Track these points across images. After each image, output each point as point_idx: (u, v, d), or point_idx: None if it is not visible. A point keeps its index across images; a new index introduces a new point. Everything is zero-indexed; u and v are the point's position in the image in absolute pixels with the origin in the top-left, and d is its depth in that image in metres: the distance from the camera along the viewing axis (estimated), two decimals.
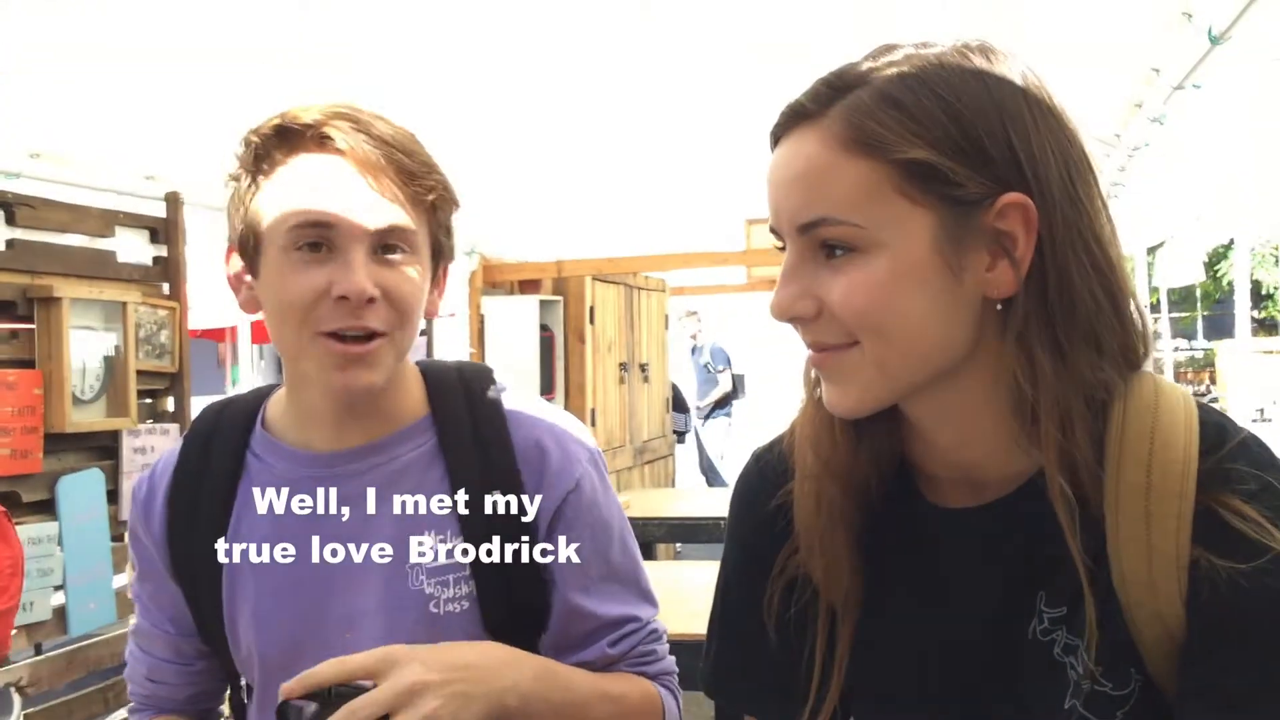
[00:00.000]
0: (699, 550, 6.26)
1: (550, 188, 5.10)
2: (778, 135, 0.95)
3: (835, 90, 0.91)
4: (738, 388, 10.99)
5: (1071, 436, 0.91)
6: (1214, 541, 0.87)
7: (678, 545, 7.08)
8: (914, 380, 0.93)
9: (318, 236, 1.16)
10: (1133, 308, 0.94)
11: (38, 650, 3.46)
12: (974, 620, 0.98)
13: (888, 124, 0.88)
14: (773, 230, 0.97)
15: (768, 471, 1.13)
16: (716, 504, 4.95)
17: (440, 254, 1.26)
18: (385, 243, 1.18)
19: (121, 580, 3.43)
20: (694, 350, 11.06)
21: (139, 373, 3.36)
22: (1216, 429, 0.91)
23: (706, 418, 10.88)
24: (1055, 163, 0.90)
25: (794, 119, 0.93)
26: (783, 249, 0.96)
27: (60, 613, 3.13)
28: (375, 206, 1.16)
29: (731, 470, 10.43)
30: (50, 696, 3.12)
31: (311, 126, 1.18)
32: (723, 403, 10.86)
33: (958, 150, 0.88)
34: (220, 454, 1.31)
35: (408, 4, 2.64)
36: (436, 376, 1.34)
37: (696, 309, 10.77)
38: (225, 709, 1.45)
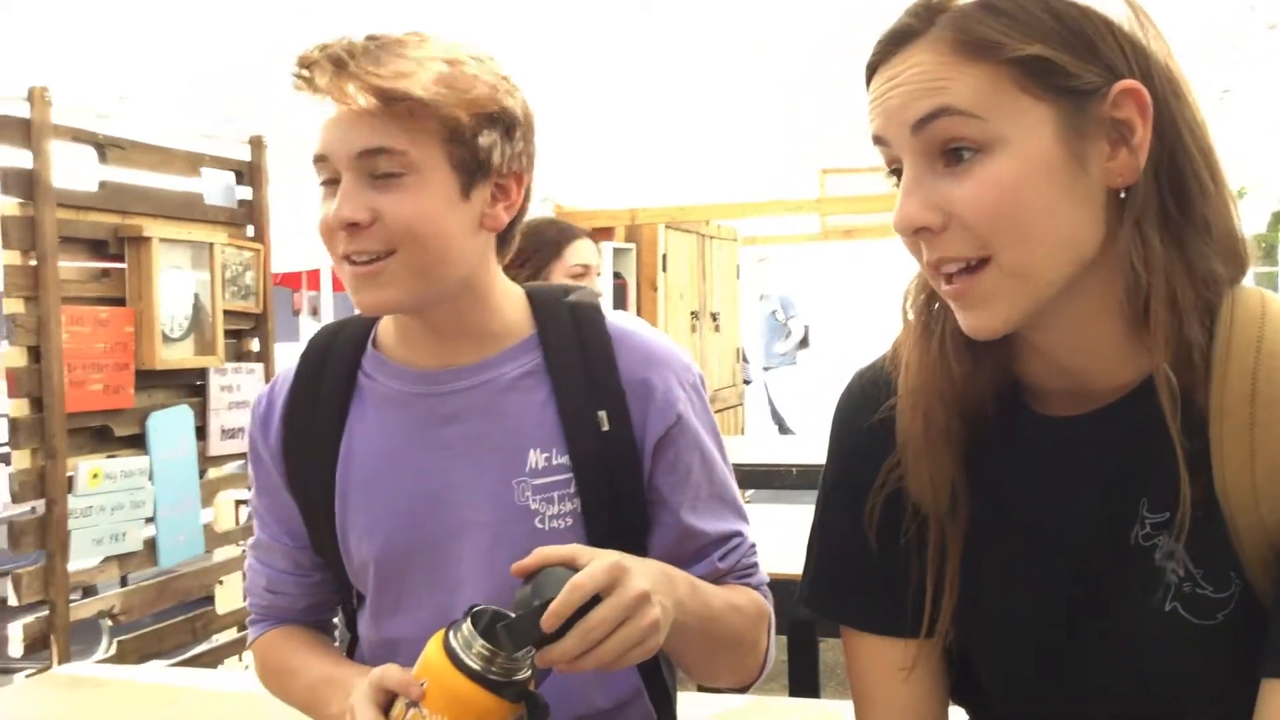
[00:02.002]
0: (769, 496, 6.29)
1: (625, 136, 5.10)
2: (876, 63, 0.95)
3: (934, 9, 0.92)
4: (805, 337, 10.95)
5: (1182, 325, 0.92)
6: None
7: (749, 492, 7.12)
8: (1055, 283, 0.93)
9: (325, 171, 1.22)
10: (1229, 197, 0.95)
11: (123, 582, 3.59)
12: (1077, 527, 1.00)
13: (997, 28, 0.89)
14: (879, 142, 0.95)
15: (869, 388, 1.13)
16: (787, 451, 4.97)
17: (467, 168, 1.23)
18: (377, 166, 1.19)
19: (209, 515, 3.54)
20: (761, 297, 11.03)
21: (225, 313, 3.44)
22: None
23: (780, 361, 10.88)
24: (1155, 51, 0.92)
25: (897, 41, 0.93)
26: (893, 173, 0.96)
27: (150, 544, 3.23)
28: (351, 133, 1.19)
29: (799, 419, 10.39)
30: (139, 626, 3.23)
31: (302, 75, 1.22)
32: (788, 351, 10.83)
33: (1067, 44, 0.89)
34: (334, 372, 1.35)
35: None
36: (543, 297, 1.36)
37: (766, 257, 10.74)
38: (337, 620, 1.50)
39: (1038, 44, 0.88)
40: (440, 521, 1.28)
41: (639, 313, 6.57)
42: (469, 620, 1.03)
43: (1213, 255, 0.93)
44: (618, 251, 6.41)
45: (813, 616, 1.19)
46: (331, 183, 1.21)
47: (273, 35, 3.16)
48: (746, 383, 9.70)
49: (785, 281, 11.12)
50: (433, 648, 1.04)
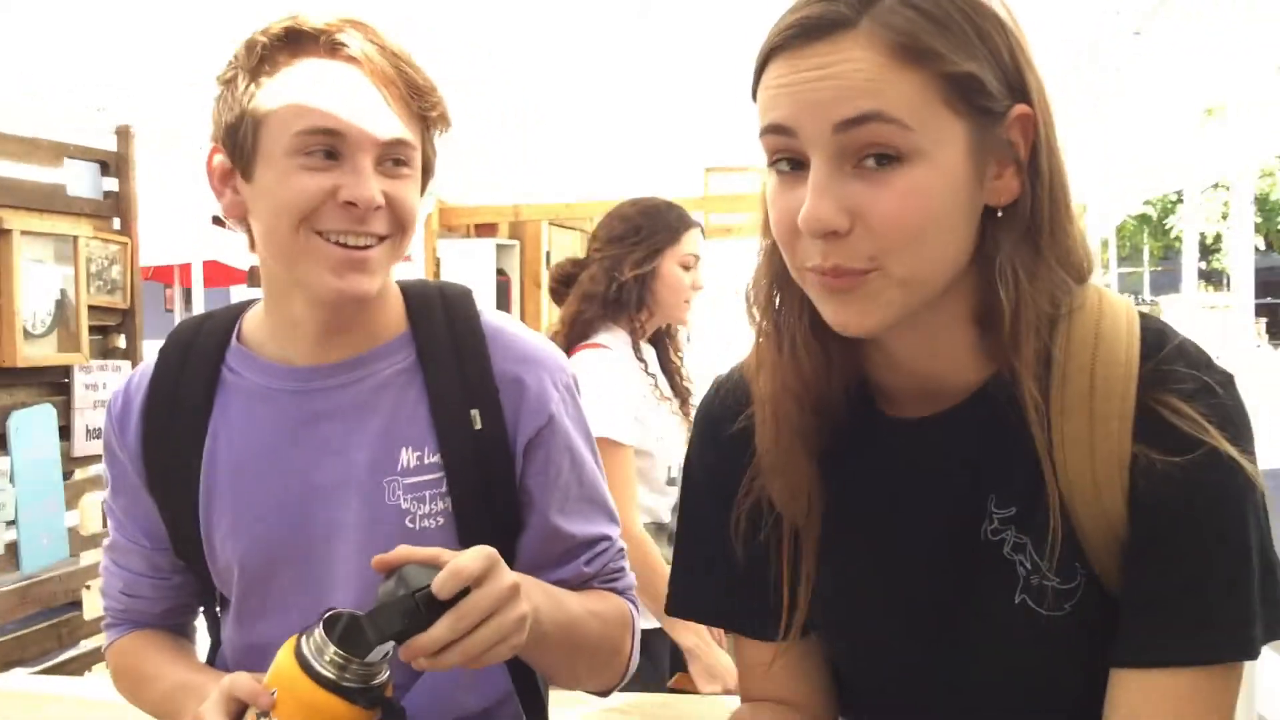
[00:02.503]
0: None
1: (509, 131, 5.07)
2: (787, 46, 0.90)
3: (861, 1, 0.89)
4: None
5: (1037, 339, 0.94)
6: (1153, 438, 0.91)
7: None
8: (931, 293, 0.94)
9: (327, 144, 1.17)
10: (1074, 211, 0.98)
11: None
12: (929, 525, 1.02)
13: (934, 36, 0.88)
14: (781, 130, 0.91)
15: (728, 398, 1.14)
16: None
17: (427, 170, 1.28)
18: (391, 154, 1.20)
19: (74, 518, 3.42)
20: None
21: (90, 308, 3.33)
22: (1156, 334, 0.96)
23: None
24: (1034, 74, 0.94)
25: (822, 28, 0.89)
26: (789, 166, 0.93)
27: (12, 549, 3.11)
28: (386, 118, 1.19)
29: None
30: (3, 632, 3.12)
31: (324, 31, 1.18)
32: None
33: (990, 64, 0.90)
34: (196, 368, 1.31)
35: None
36: (417, 294, 1.35)
37: None
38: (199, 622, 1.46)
39: (972, 62, 0.89)
40: (310, 521, 1.26)
41: (522, 309, 6.54)
42: (321, 626, 1.00)
43: (1066, 267, 0.96)
44: (501, 248, 6.36)
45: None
46: (328, 155, 1.17)
47: (141, 21, 3.06)
48: None
49: None
50: (284, 655, 1.01)
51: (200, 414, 1.30)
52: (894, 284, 0.92)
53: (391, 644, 0.99)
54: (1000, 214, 0.94)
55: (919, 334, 0.98)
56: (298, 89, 1.18)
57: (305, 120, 1.16)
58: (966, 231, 0.93)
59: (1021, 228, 0.94)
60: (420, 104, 1.22)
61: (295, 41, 1.19)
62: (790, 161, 0.93)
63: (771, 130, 0.92)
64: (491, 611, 1.01)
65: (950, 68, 0.88)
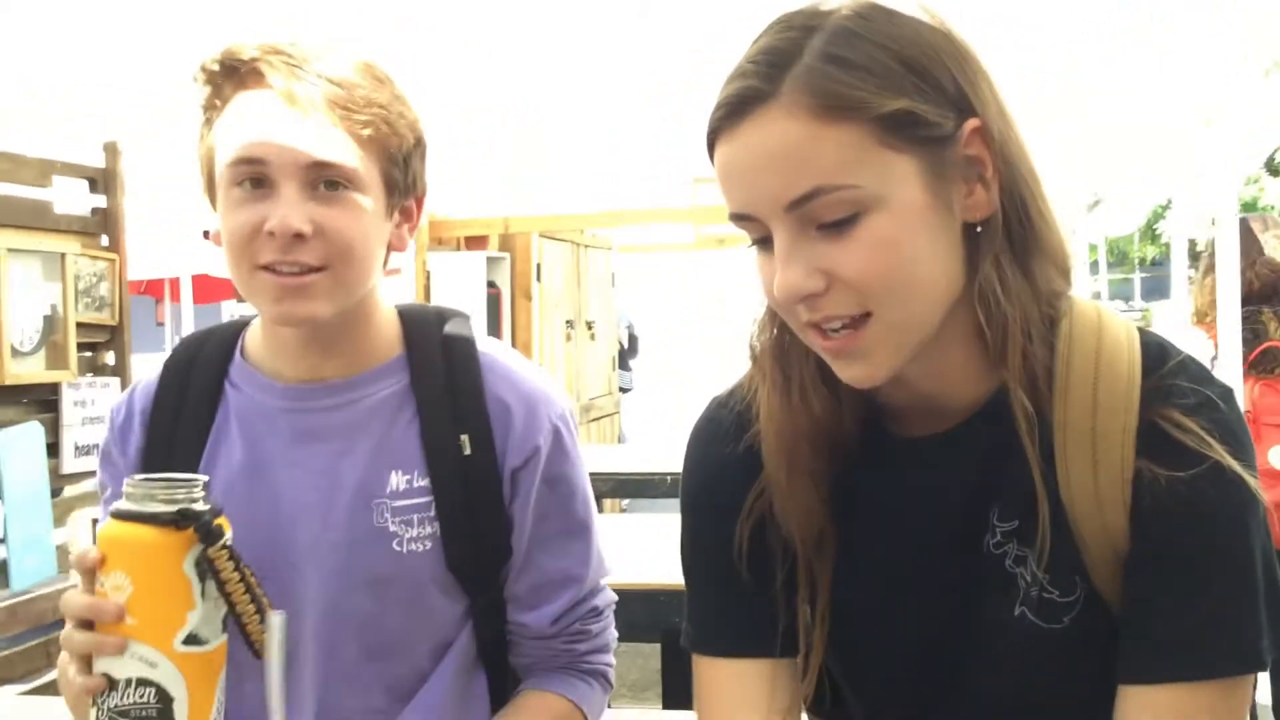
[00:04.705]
0: (646, 505, 6.30)
1: (499, 143, 5.07)
2: (721, 129, 0.92)
3: (777, 66, 0.89)
4: (633, 346, 10.69)
5: (1032, 347, 0.95)
6: (1156, 453, 0.91)
7: (624, 501, 7.12)
8: (931, 326, 0.95)
9: (253, 173, 1.17)
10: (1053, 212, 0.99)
11: None
12: (934, 540, 1.02)
13: (855, 84, 0.88)
14: (740, 217, 0.94)
15: (730, 416, 1.12)
16: (663, 459, 4.96)
17: (395, 190, 1.24)
18: (323, 178, 1.17)
19: (62, 535, 3.39)
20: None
21: (79, 325, 3.31)
22: (1158, 349, 0.96)
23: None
24: (984, 84, 0.94)
25: (744, 105, 0.90)
26: (756, 241, 0.95)
27: (1, 567, 3.09)
28: (305, 141, 1.16)
29: (635, 429, 10.06)
30: None
31: (247, 63, 1.18)
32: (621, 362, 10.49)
33: (921, 93, 0.89)
34: (200, 381, 1.32)
35: None
36: (414, 318, 1.35)
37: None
38: None
39: (900, 98, 0.88)
40: (297, 540, 1.26)
41: (514, 321, 6.53)
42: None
43: (1054, 273, 0.97)
44: (491, 260, 6.36)
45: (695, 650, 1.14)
46: (256, 183, 1.17)
47: (127, 38, 3.05)
48: (624, 390, 9.64)
49: (648, 291, 10.81)
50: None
51: (202, 426, 1.30)
52: (891, 329, 0.92)
53: (205, 479, 1.04)
54: (980, 229, 0.94)
55: (923, 358, 0.98)
56: (231, 123, 1.19)
57: (233, 153, 1.17)
58: (949, 258, 0.93)
59: (998, 241, 0.94)
60: (351, 123, 1.17)
61: (229, 76, 1.19)
62: (762, 239, 0.94)
63: (735, 219, 0.95)
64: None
65: (878, 110, 0.88)
